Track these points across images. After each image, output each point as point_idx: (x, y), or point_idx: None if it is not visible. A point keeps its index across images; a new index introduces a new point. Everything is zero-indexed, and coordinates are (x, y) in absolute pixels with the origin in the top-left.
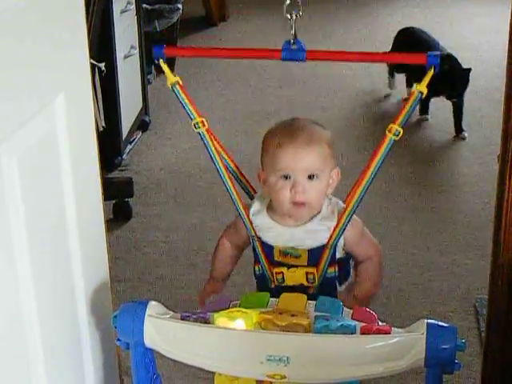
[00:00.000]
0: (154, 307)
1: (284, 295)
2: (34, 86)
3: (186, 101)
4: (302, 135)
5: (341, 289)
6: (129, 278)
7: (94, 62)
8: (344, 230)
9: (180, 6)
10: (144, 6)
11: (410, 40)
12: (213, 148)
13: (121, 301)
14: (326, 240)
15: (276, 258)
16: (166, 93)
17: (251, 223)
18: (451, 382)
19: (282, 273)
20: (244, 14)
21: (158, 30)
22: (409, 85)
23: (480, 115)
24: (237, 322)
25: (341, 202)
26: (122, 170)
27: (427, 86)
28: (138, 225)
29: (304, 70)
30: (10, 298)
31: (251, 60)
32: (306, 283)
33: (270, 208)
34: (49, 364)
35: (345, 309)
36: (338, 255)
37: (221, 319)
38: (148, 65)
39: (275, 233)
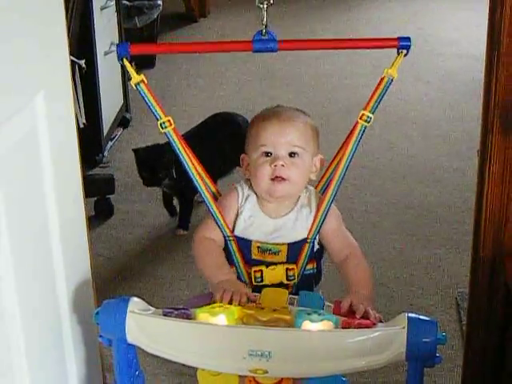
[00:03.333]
0: (135, 304)
1: (266, 290)
2: (13, 84)
3: (152, 100)
4: (285, 113)
5: (316, 289)
6: (111, 274)
7: (74, 59)
8: (323, 220)
9: (160, 2)
10: (124, 2)
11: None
12: (181, 148)
13: (103, 298)
14: (306, 233)
15: (254, 256)
16: None
17: (225, 223)
18: (433, 375)
19: (261, 271)
20: (224, 10)
21: (138, 26)
22: None
23: (460, 109)
24: (219, 317)
25: (317, 192)
26: (103, 167)
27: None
28: (119, 222)
29: (285, 66)
30: None
31: (231, 54)
32: (285, 281)
33: (256, 197)
34: (31, 361)
35: (326, 303)
36: (316, 247)
37: (203, 315)
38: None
39: (257, 223)
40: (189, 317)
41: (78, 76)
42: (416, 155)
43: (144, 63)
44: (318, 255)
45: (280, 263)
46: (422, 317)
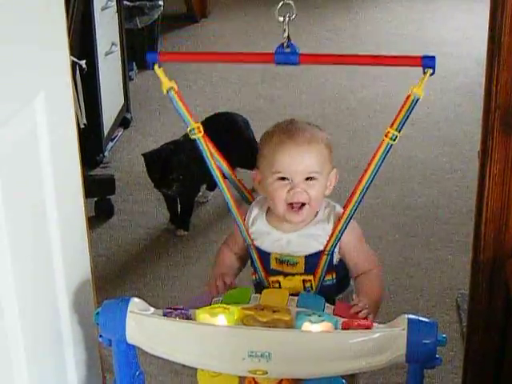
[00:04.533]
0: (136, 304)
1: (266, 291)
2: (13, 85)
3: (182, 107)
4: (300, 136)
5: (341, 297)
6: (111, 275)
7: (74, 60)
8: (342, 234)
9: (161, 2)
10: (125, 2)
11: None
12: (208, 154)
13: (103, 298)
14: (323, 245)
15: (272, 267)
16: (147, 90)
17: (247, 231)
18: (433, 376)
19: (279, 281)
20: (225, 11)
21: (138, 26)
22: None
23: (461, 111)
24: (219, 318)
25: (338, 206)
26: (104, 168)
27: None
28: (119, 222)
29: (286, 66)
30: None
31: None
32: (302, 291)
33: (269, 213)
34: (31, 361)
35: (326, 304)
36: (336, 259)
37: (203, 315)
38: (129, 62)
39: (272, 239)
40: (189, 317)
41: (79, 76)
42: (416, 156)
43: (144, 64)
44: (339, 266)
45: (298, 274)
46: (422, 318)
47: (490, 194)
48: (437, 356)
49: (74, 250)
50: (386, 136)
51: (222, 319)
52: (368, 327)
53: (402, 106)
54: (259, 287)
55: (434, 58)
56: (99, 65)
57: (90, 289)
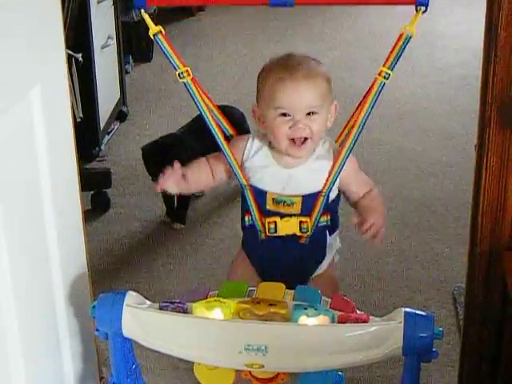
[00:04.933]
0: (132, 297)
1: (262, 284)
2: (9, 77)
3: (170, 51)
4: (300, 70)
5: (331, 239)
6: (107, 268)
7: (70, 53)
8: (340, 171)
9: None
10: None
11: None
12: (198, 97)
13: (99, 291)
14: (322, 184)
15: (268, 207)
16: (143, 83)
17: (241, 171)
18: (430, 370)
19: (275, 222)
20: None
21: (135, 19)
22: None
23: (457, 104)
24: (215, 311)
25: (334, 143)
26: (100, 161)
27: None
28: (116, 215)
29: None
30: None
31: (229, 50)
32: (298, 233)
33: (270, 148)
34: (27, 355)
35: (323, 298)
36: (331, 198)
37: (199, 309)
38: (126, 55)
39: (271, 173)
40: (185, 311)
41: (75, 69)
42: (412, 149)
43: (141, 57)
44: (332, 206)
45: (294, 215)
46: (418, 312)
47: (486, 187)
48: (433, 349)
49: (70, 243)
50: (379, 74)
51: (218, 313)
52: (365, 321)
53: (395, 45)
54: (251, 231)
55: None
56: (95, 58)
57: (86, 282)
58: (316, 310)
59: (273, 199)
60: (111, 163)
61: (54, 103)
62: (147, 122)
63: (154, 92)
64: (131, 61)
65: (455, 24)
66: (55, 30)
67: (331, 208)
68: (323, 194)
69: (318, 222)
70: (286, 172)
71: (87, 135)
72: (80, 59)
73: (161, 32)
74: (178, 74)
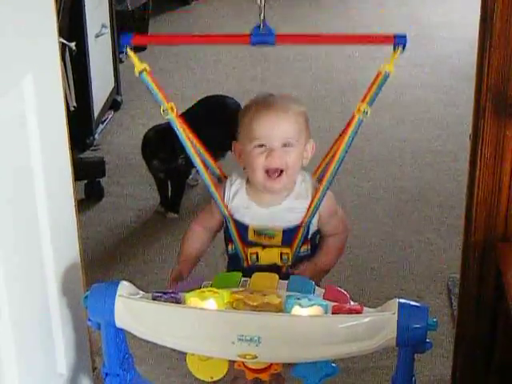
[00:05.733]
0: (125, 287)
1: (256, 275)
2: (0, 67)
3: (155, 87)
4: (278, 104)
5: None
6: (100, 258)
7: (64, 42)
8: (318, 207)
9: None
10: None
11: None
12: (183, 133)
13: (92, 281)
14: (301, 219)
15: (250, 238)
16: None
17: (225, 205)
18: (423, 360)
19: (257, 253)
20: None
21: (129, 8)
22: None
23: (453, 93)
24: (208, 301)
25: (311, 178)
26: (94, 150)
27: None
28: (109, 205)
29: (278, 49)
30: None
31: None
32: (279, 263)
33: (248, 188)
34: (19, 345)
35: (317, 288)
36: (312, 231)
37: (192, 299)
38: (120, 44)
39: (252, 213)
40: (178, 301)
41: (69, 58)
42: (408, 139)
43: (135, 46)
44: (313, 236)
45: (275, 246)
46: (412, 303)
47: (481, 177)
48: (427, 340)
49: (63, 232)
50: (357, 111)
51: (211, 303)
52: (358, 311)
53: (373, 82)
54: (235, 258)
55: (405, 36)
56: (89, 47)
57: (78, 272)
58: (309, 300)
59: (254, 231)
60: (105, 152)
61: (47, 92)
62: (141, 111)
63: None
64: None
65: (449, 12)
66: (48, 18)
67: (312, 237)
68: (303, 225)
69: (299, 252)
70: (266, 211)
71: (81, 124)
72: (74, 48)
73: (145, 69)
74: (163, 111)
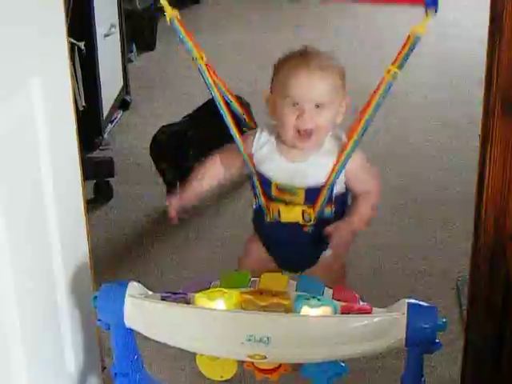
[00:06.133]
0: (134, 287)
1: (265, 275)
2: (9, 66)
3: (185, 35)
4: (315, 61)
5: None
6: (109, 258)
7: (73, 41)
8: (344, 165)
9: None
10: None
11: None
12: (210, 80)
13: (101, 281)
14: (325, 179)
15: (273, 194)
16: (147, 72)
17: (250, 154)
18: (433, 360)
19: (279, 209)
20: None
21: (138, 8)
22: None
23: (461, 92)
24: (217, 302)
25: (343, 136)
26: (103, 150)
27: None
28: (118, 205)
29: (285, 51)
30: None
31: (231, 39)
32: (301, 221)
33: (278, 140)
34: (29, 345)
35: (326, 289)
36: (337, 191)
37: (201, 299)
38: (129, 44)
39: (276, 165)
40: (187, 301)
41: (78, 58)
42: (415, 138)
43: (145, 46)
44: (338, 199)
45: (298, 204)
46: (421, 303)
47: (490, 177)
48: (436, 340)
49: (72, 232)
50: (387, 73)
51: (220, 303)
52: (367, 312)
53: (405, 44)
54: (258, 212)
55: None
56: (98, 46)
57: (88, 272)
58: (319, 300)
59: (277, 187)
60: (114, 152)
61: (56, 92)
62: (150, 111)
63: (158, 81)
64: (135, 49)
65: (458, 10)
66: (57, 18)
67: (337, 200)
68: (327, 187)
69: (323, 213)
70: (291, 166)
71: (90, 124)
72: (83, 48)
73: (176, 16)
74: (193, 58)
